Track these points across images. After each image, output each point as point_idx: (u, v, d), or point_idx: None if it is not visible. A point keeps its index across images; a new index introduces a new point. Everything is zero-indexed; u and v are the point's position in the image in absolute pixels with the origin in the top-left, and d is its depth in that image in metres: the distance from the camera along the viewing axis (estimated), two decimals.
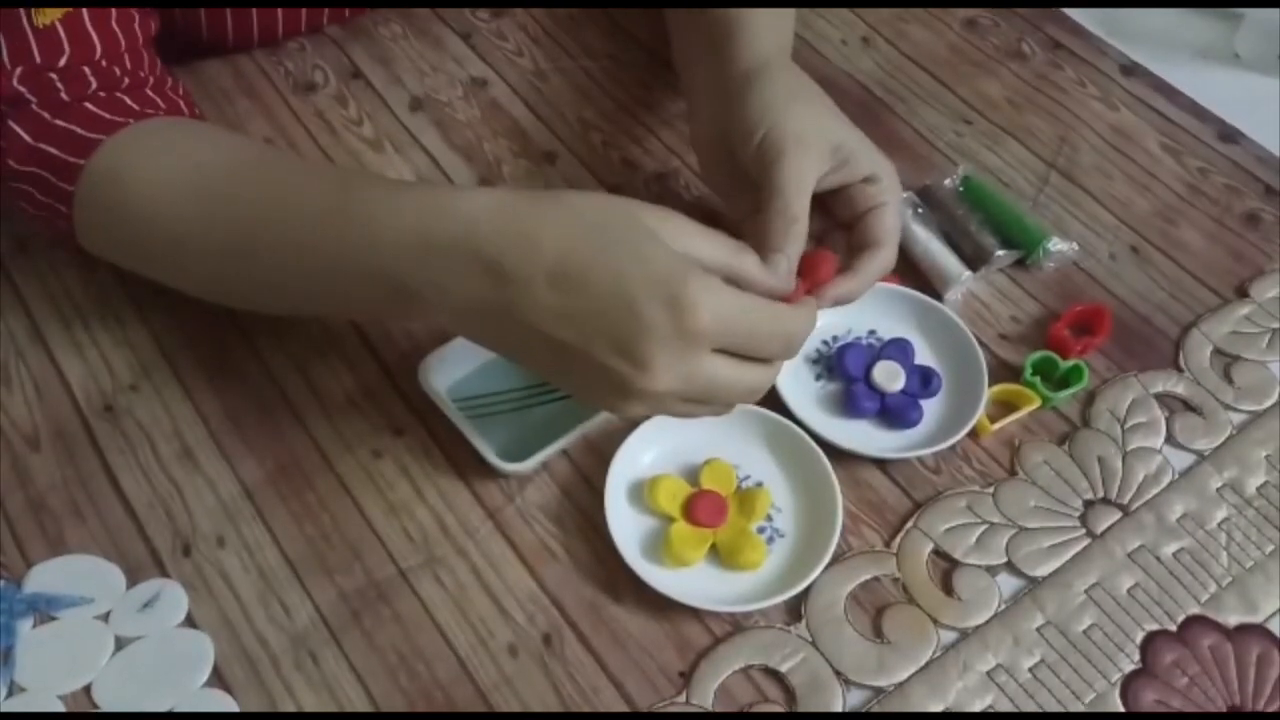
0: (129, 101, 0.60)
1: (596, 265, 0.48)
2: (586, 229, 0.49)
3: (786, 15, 0.68)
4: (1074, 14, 0.85)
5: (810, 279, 0.57)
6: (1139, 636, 0.56)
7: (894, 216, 0.60)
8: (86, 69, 0.59)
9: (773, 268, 0.55)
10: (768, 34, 0.64)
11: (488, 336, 0.53)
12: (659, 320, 0.48)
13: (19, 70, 0.57)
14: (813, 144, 0.58)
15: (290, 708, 0.52)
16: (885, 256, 0.59)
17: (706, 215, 0.70)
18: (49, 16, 0.57)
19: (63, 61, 0.58)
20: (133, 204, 0.57)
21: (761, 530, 0.58)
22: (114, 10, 0.60)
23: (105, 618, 0.54)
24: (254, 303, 0.61)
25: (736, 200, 0.63)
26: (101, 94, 0.59)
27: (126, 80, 0.61)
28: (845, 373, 0.63)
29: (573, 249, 0.49)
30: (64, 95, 0.58)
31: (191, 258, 0.58)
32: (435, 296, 0.51)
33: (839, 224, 0.61)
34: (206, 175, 0.57)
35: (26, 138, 0.57)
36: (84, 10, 0.59)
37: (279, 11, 0.77)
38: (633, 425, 0.60)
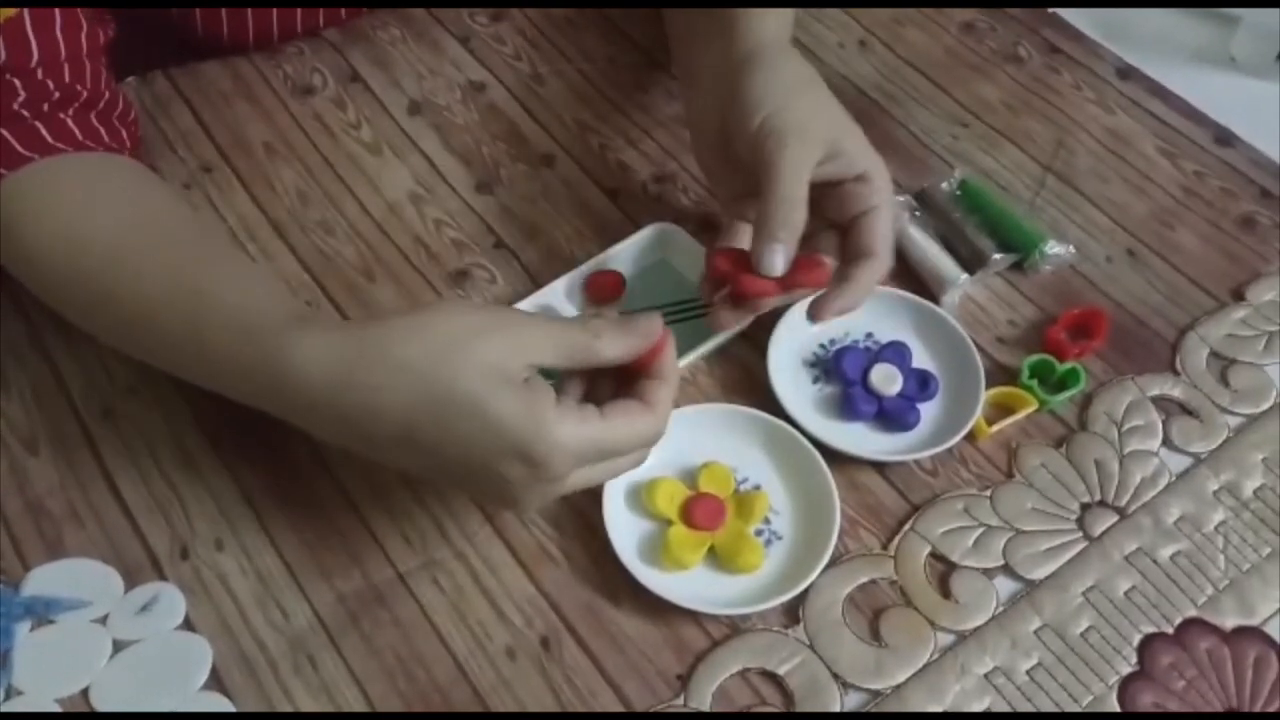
0: (43, 131, 0.59)
1: (442, 436, 0.48)
2: (422, 392, 0.48)
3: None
4: (1070, 17, 0.85)
5: (805, 281, 0.57)
6: (1136, 639, 0.56)
7: (887, 222, 0.59)
8: (17, 81, 0.58)
9: (769, 258, 0.56)
10: (770, 19, 0.64)
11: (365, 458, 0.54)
12: (516, 474, 0.49)
13: None
14: (811, 133, 0.58)
15: (288, 710, 0.52)
16: (881, 266, 0.59)
17: (704, 219, 0.70)
18: None
19: None
20: (12, 250, 0.58)
21: (759, 533, 0.58)
22: (59, 16, 0.59)
23: (103, 621, 0.54)
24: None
25: (727, 185, 0.63)
26: (24, 112, 0.58)
27: (57, 94, 0.59)
28: (842, 376, 0.63)
29: (413, 420, 0.48)
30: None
31: (66, 311, 0.59)
32: (304, 432, 0.53)
33: (829, 223, 0.61)
34: (81, 253, 0.56)
35: None
36: (25, 13, 0.57)
37: (274, 11, 0.77)
38: None
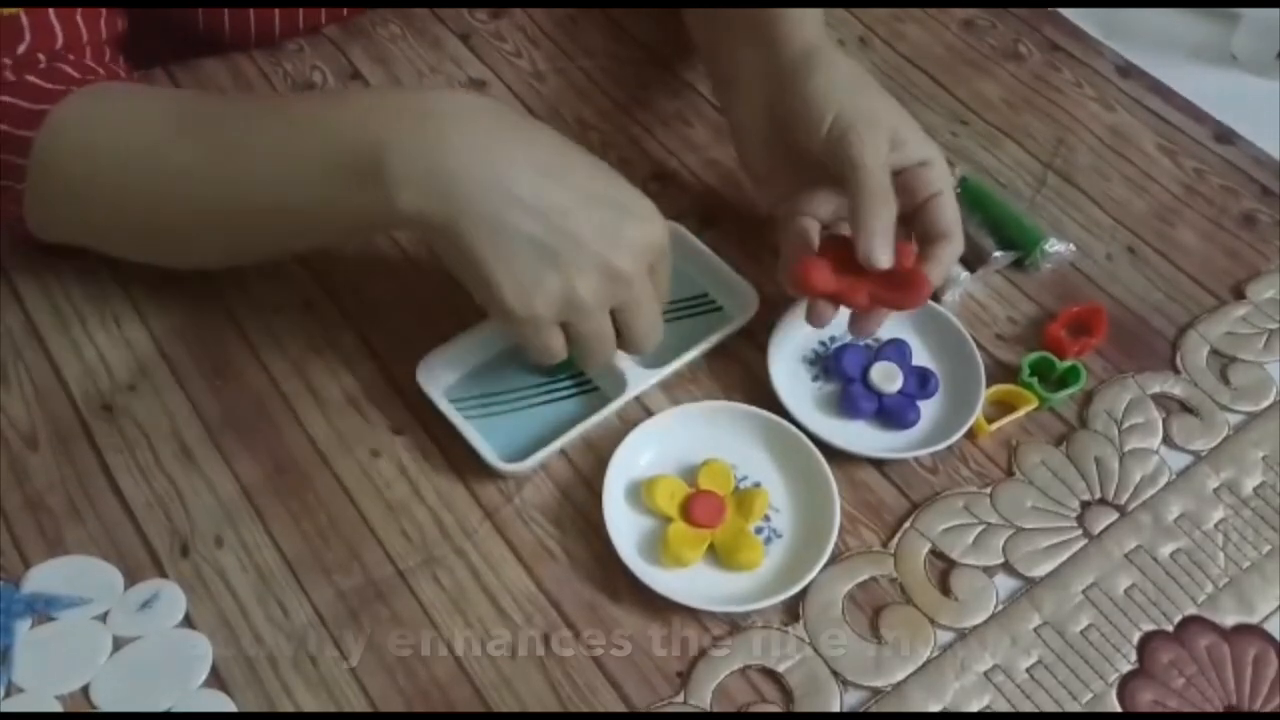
0: (69, 70, 0.60)
1: (581, 166, 0.56)
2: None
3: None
4: (1071, 15, 0.85)
5: (900, 296, 0.59)
6: (1136, 637, 0.56)
7: (953, 205, 0.61)
8: (42, 55, 0.59)
9: (875, 253, 0.57)
10: (811, 20, 0.65)
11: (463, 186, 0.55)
12: (637, 205, 0.56)
13: None
14: (882, 124, 0.59)
15: (288, 708, 0.52)
16: (955, 248, 0.60)
17: (704, 216, 0.71)
18: (12, 8, 0.58)
19: (21, 49, 0.58)
20: (86, 159, 0.58)
21: (759, 531, 0.58)
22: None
23: (103, 618, 0.54)
24: (202, 241, 0.61)
25: (777, 185, 0.64)
26: (43, 67, 0.59)
27: (77, 75, 0.60)
28: (843, 373, 0.63)
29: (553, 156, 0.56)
30: (9, 74, 0.58)
31: (140, 204, 0.59)
32: (401, 160, 0.53)
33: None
34: (156, 114, 0.58)
35: None
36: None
37: (276, 10, 0.77)
38: (631, 425, 0.60)
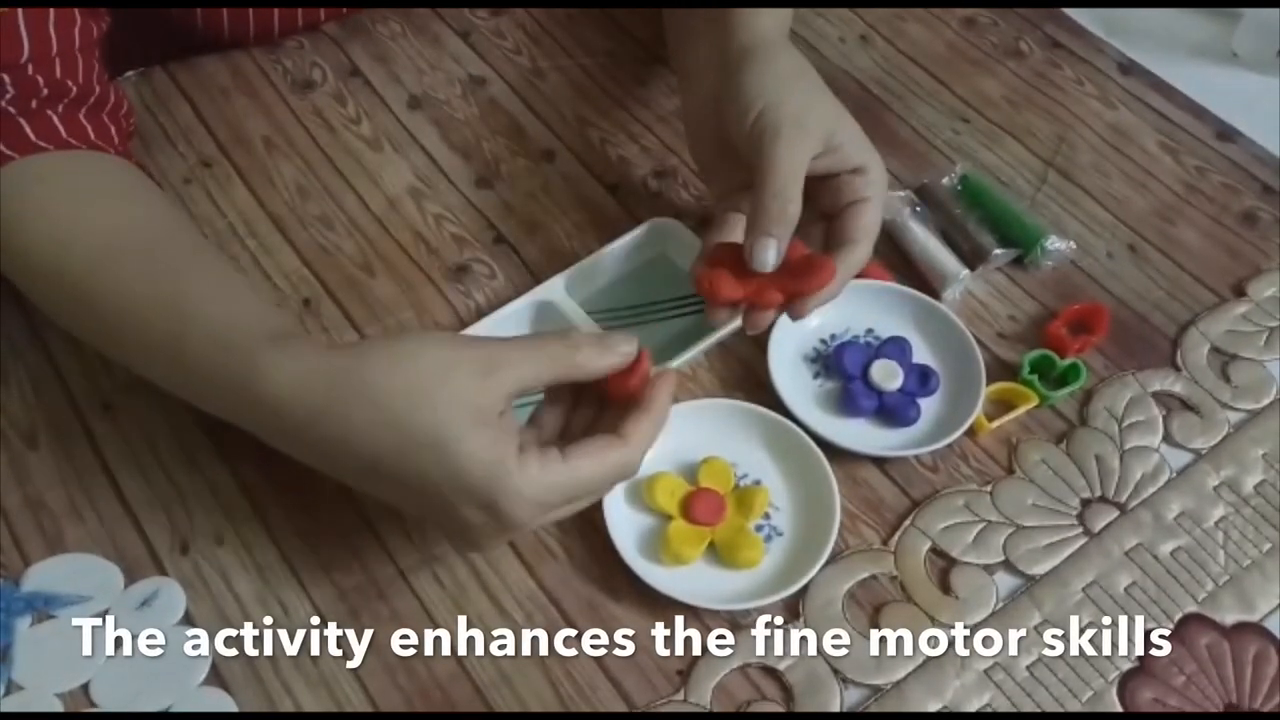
0: (27, 129, 0.58)
1: (405, 474, 0.48)
2: (390, 429, 0.48)
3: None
4: (1072, 13, 0.85)
5: (806, 282, 0.57)
6: (1136, 635, 0.56)
7: (875, 213, 0.59)
8: (6, 77, 0.57)
9: (761, 253, 0.55)
10: (766, 15, 0.64)
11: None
12: (477, 520, 0.49)
13: None
14: (809, 126, 0.57)
15: (289, 707, 0.52)
16: (859, 255, 0.58)
17: (705, 214, 0.70)
18: None
19: None
20: (10, 228, 0.56)
21: (759, 528, 0.58)
22: (52, 11, 0.58)
23: (103, 616, 0.54)
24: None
25: (720, 179, 0.63)
26: (10, 109, 0.57)
27: (46, 90, 0.59)
28: (843, 371, 0.63)
29: (379, 454, 0.48)
30: None
31: (49, 310, 0.59)
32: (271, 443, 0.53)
33: (821, 214, 0.60)
34: (67, 254, 0.56)
35: None
36: (19, 9, 0.57)
37: (275, 8, 0.77)
38: None
